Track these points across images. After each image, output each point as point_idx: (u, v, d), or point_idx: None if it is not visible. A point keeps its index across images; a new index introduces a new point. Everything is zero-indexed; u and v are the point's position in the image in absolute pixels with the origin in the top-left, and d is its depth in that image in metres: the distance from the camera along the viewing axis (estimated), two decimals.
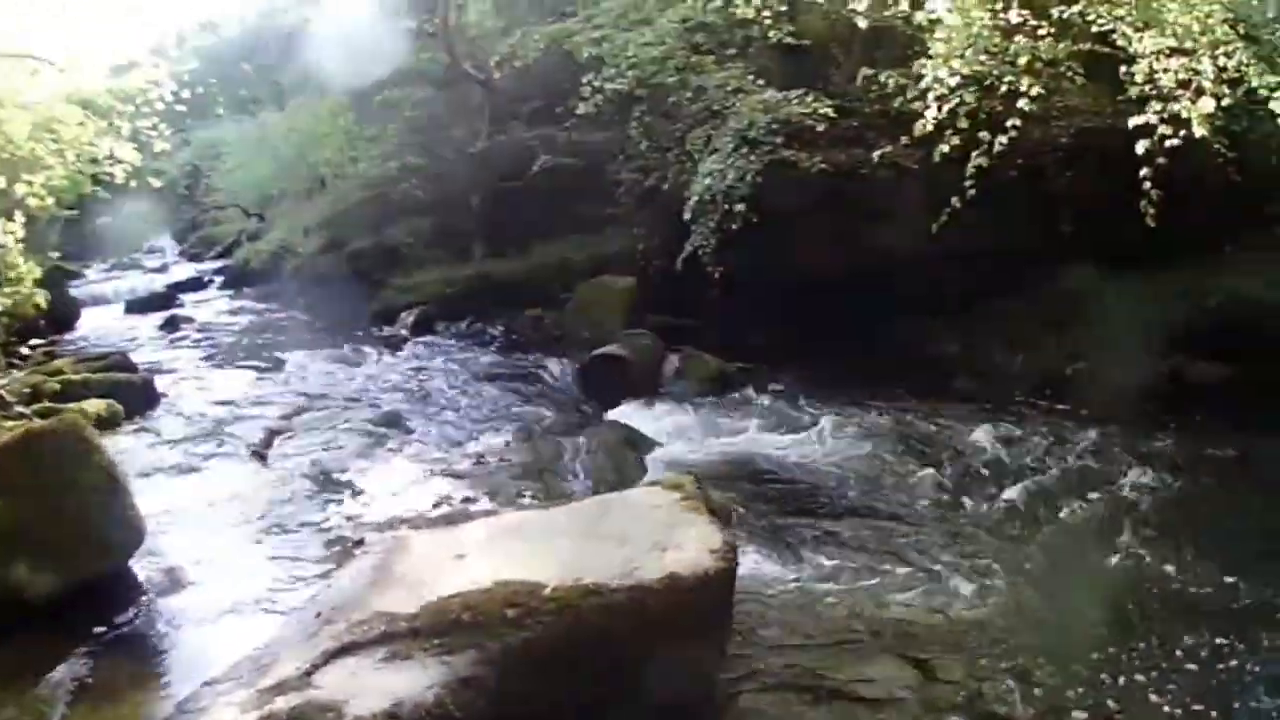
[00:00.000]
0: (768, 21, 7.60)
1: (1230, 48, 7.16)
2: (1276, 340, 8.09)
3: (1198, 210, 8.45)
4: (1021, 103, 7.36)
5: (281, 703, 2.43)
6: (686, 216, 7.43)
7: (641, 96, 7.70)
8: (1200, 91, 7.18)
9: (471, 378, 7.60)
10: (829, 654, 3.69)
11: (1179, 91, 7.35)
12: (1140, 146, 7.04)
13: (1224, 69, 7.36)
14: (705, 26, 7.73)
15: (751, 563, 4.37)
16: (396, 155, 8.28)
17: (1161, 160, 6.96)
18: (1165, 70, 7.36)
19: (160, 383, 7.40)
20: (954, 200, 7.22)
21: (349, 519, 5.04)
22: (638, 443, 6.34)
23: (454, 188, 8.11)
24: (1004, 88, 7.39)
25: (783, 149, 7.45)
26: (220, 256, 11.09)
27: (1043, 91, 7.38)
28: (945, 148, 7.25)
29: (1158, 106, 7.20)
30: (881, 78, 7.47)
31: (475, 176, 8.02)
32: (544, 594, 2.79)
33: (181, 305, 9.93)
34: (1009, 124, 7.26)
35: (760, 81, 7.54)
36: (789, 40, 7.59)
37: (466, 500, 5.35)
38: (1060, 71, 8.11)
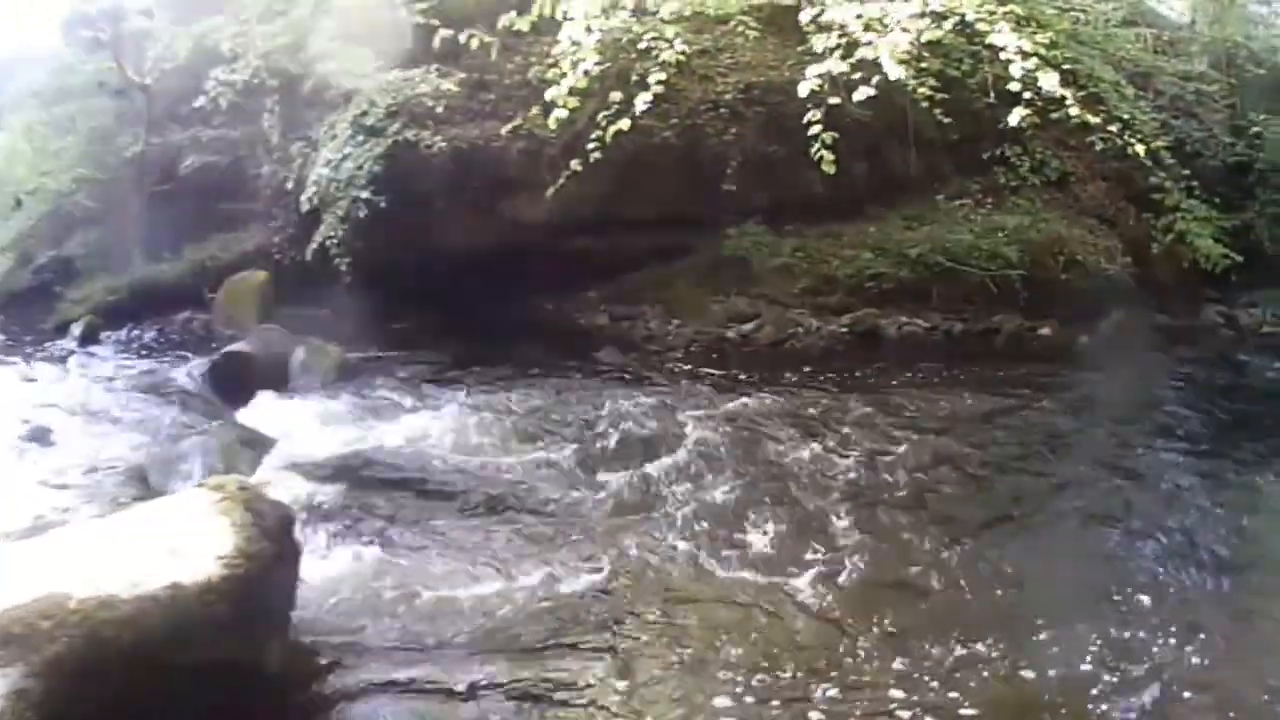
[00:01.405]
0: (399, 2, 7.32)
1: None
2: (983, 288, 7.51)
3: (904, 158, 7.91)
4: (666, 55, 6.93)
5: None
6: (304, 208, 7.11)
7: (274, 87, 7.44)
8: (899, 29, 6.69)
9: (119, 385, 7.23)
10: (417, 652, 3.38)
11: (869, 36, 6.85)
12: (804, 89, 6.59)
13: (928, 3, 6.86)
14: (341, 11, 7.45)
15: (348, 562, 4.04)
16: (73, 168, 8.21)
17: (834, 101, 6.49)
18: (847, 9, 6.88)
19: None
20: (574, 164, 6.82)
21: None
22: (255, 441, 6.00)
23: (118, 195, 7.97)
24: (650, 47, 7.00)
25: (405, 130, 7.05)
26: None
27: (684, 50, 6.95)
28: (563, 113, 6.84)
29: (831, 46, 6.72)
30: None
31: (135, 182, 7.87)
32: (69, 607, 2.81)
33: None
34: (652, 82, 6.85)
35: (380, 63, 7.19)
36: (422, 20, 7.25)
37: (67, 510, 5.13)
38: (731, 28, 7.66)
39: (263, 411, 6.49)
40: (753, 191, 7.20)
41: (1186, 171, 8.46)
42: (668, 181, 7.19)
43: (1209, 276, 8.36)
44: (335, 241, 7.02)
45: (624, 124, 6.75)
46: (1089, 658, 3.28)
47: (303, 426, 6.21)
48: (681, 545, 4.10)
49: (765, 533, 4.25)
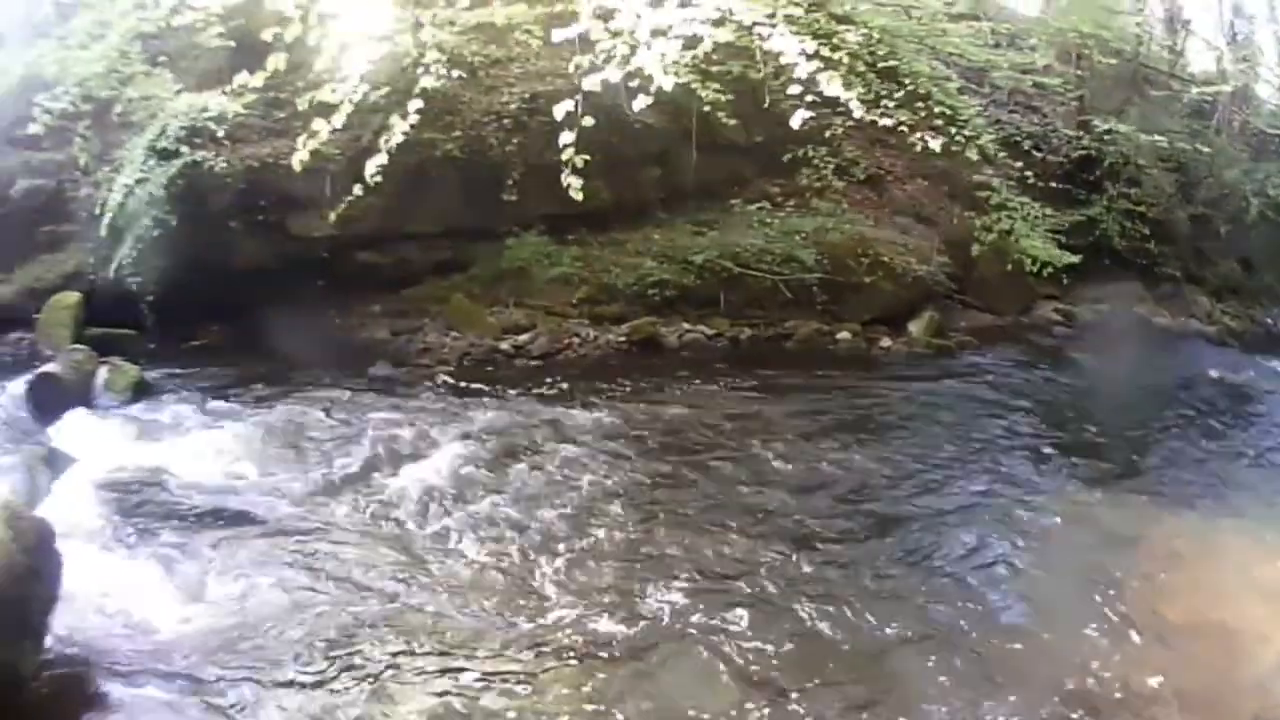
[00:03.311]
0: (200, 25, 7.53)
1: None
2: (775, 293, 7.43)
3: (695, 166, 7.86)
4: (427, 81, 7.01)
5: None
6: (103, 231, 7.34)
7: (88, 112, 7.71)
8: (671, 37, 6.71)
9: None
10: (175, 665, 3.52)
11: (648, 41, 6.86)
12: (559, 111, 6.66)
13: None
14: (150, 36, 7.72)
15: (121, 576, 4.20)
16: None
17: (589, 122, 6.55)
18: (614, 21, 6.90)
19: None
20: (356, 189, 6.90)
21: None
22: (57, 459, 6.29)
23: None
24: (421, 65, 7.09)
25: (197, 151, 7.26)
26: None
27: (447, 71, 7.01)
28: (312, 145, 6.94)
29: (610, 53, 6.75)
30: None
31: None
32: None
33: None
34: (411, 110, 6.98)
35: (180, 86, 7.45)
36: (221, 42, 7.46)
37: None
38: (517, 37, 7.68)
39: (68, 431, 6.78)
40: (535, 201, 7.22)
41: (1020, 166, 8.29)
42: (450, 194, 7.30)
43: (1048, 274, 8.18)
44: (132, 262, 7.28)
45: (381, 160, 6.85)
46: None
47: (100, 445, 6.49)
48: (434, 566, 4.20)
49: (519, 558, 4.30)
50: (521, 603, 3.88)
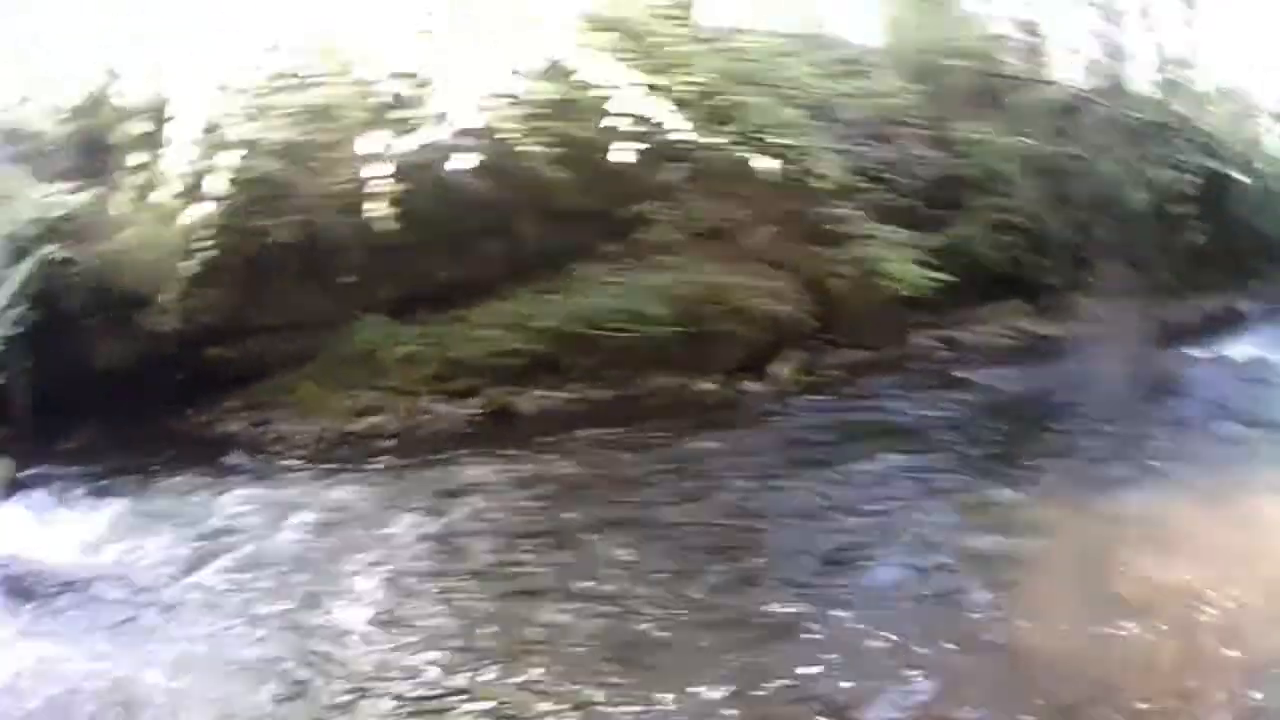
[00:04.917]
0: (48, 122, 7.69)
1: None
2: (630, 352, 7.49)
3: (537, 232, 7.85)
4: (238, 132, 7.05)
5: None
6: None
7: None
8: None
9: None
10: None
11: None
12: (361, 146, 6.79)
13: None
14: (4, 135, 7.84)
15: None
16: None
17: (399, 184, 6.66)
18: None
19: None
20: (182, 269, 7.05)
21: None
22: None
23: None
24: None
25: (50, 248, 7.27)
26: None
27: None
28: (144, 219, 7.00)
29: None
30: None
31: None
32: None
33: None
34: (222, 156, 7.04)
35: (33, 181, 7.58)
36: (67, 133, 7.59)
37: None
38: (344, 116, 7.69)
39: None
40: (378, 284, 7.38)
41: (877, 194, 8.26)
42: (291, 282, 7.43)
43: (922, 299, 8.14)
44: None
45: (208, 208, 6.93)
46: None
47: None
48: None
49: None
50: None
